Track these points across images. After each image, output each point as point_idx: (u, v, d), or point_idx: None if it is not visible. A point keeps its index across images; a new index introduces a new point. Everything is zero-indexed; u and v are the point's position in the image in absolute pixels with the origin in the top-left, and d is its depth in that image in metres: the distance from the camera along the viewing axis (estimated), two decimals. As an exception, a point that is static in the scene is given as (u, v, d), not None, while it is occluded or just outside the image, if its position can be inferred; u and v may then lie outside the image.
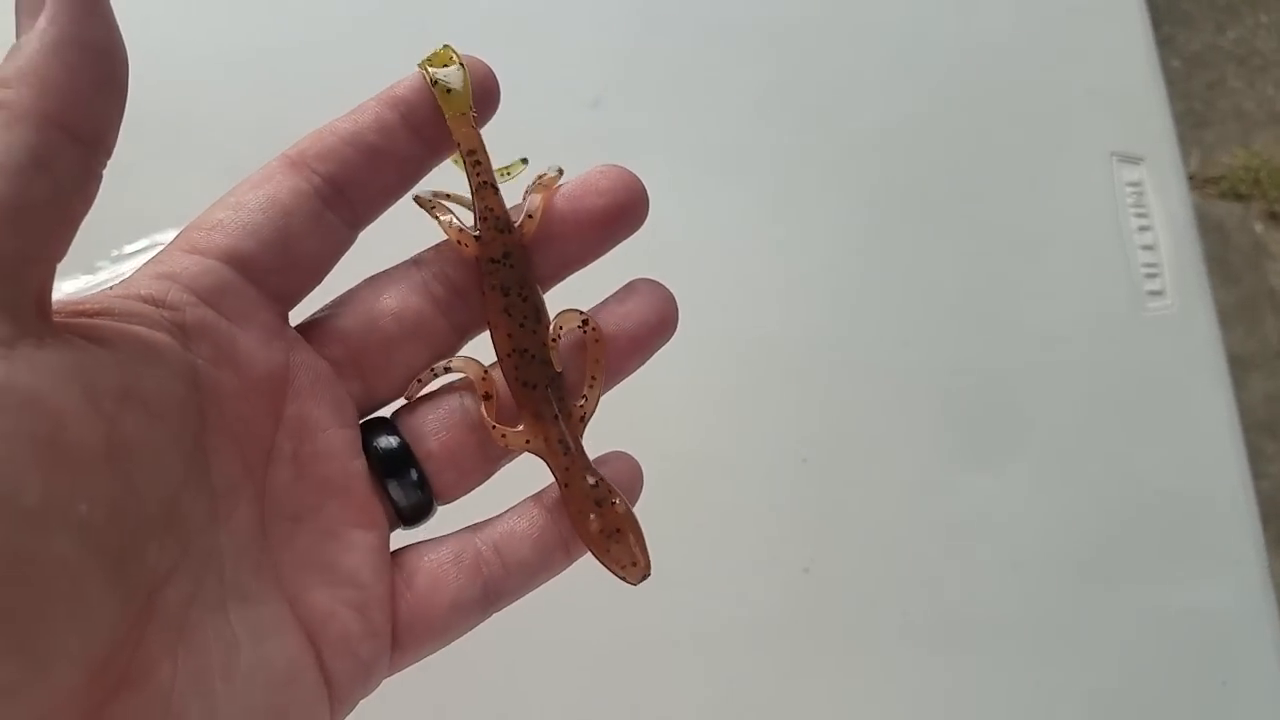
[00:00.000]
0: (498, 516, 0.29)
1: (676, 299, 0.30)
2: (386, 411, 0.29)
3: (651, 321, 0.29)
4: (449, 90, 0.28)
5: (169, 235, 0.52)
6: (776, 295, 0.53)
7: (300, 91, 0.56)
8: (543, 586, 0.46)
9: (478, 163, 0.28)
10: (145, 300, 0.24)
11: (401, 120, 0.28)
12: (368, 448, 0.28)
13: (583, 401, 0.29)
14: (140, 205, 0.52)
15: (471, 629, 0.28)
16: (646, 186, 0.53)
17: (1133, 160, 0.58)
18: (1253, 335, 1.36)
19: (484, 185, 0.28)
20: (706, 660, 0.47)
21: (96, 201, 0.54)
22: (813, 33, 0.59)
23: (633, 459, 0.30)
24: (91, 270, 0.50)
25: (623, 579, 0.28)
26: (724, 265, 0.54)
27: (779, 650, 0.47)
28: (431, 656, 0.44)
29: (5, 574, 0.18)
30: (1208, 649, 0.50)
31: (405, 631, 0.27)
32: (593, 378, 0.29)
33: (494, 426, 0.28)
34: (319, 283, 0.28)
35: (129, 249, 0.51)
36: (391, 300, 0.28)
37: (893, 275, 0.54)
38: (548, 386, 0.28)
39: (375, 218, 0.28)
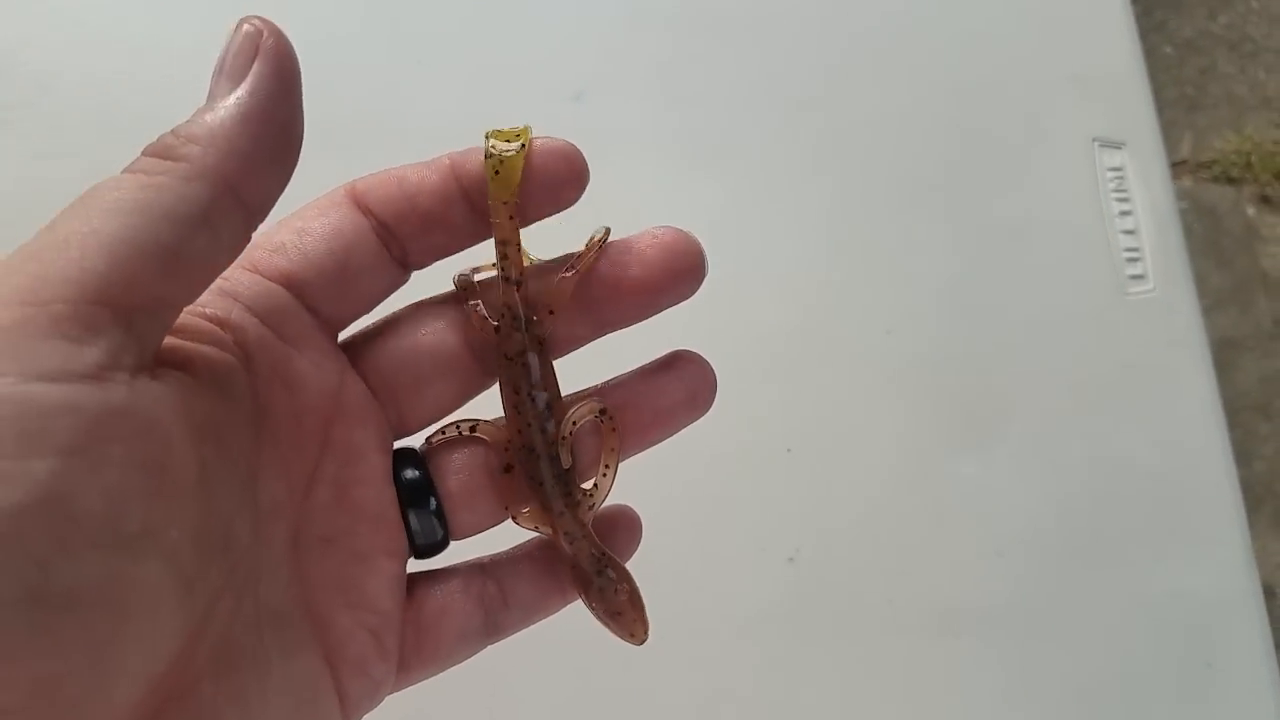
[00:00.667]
0: (504, 554, 0.30)
1: (716, 375, 0.30)
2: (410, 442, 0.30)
3: (682, 401, 0.30)
4: (496, 171, 0.27)
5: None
6: (760, 285, 0.53)
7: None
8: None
9: (504, 255, 0.27)
10: (210, 320, 0.25)
11: (462, 194, 0.27)
12: (395, 477, 0.28)
13: (592, 489, 0.29)
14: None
15: (472, 655, 0.29)
16: (629, 179, 0.53)
17: (1114, 145, 0.58)
18: (1245, 317, 1.36)
19: (507, 280, 0.28)
20: (691, 649, 0.47)
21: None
22: (794, 23, 0.59)
23: (633, 514, 0.31)
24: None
25: (623, 641, 0.30)
26: (708, 257, 0.54)
27: (764, 639, 0.47)
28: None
29: (94, 596, 0.19)
30: (1192, 631, 0.50)
31: (411, 655, 0.28)
32: (606, 465, 0.29)
33: (506, 507, 0.29)
34: (368, 313, 0.28)
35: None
36: (430, 336, 0.28)
37: (875, 263, 0.54)
38: (555, 481, 0.29)
39: (421, 265, 0.28)
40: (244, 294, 0.25)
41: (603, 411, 0.29)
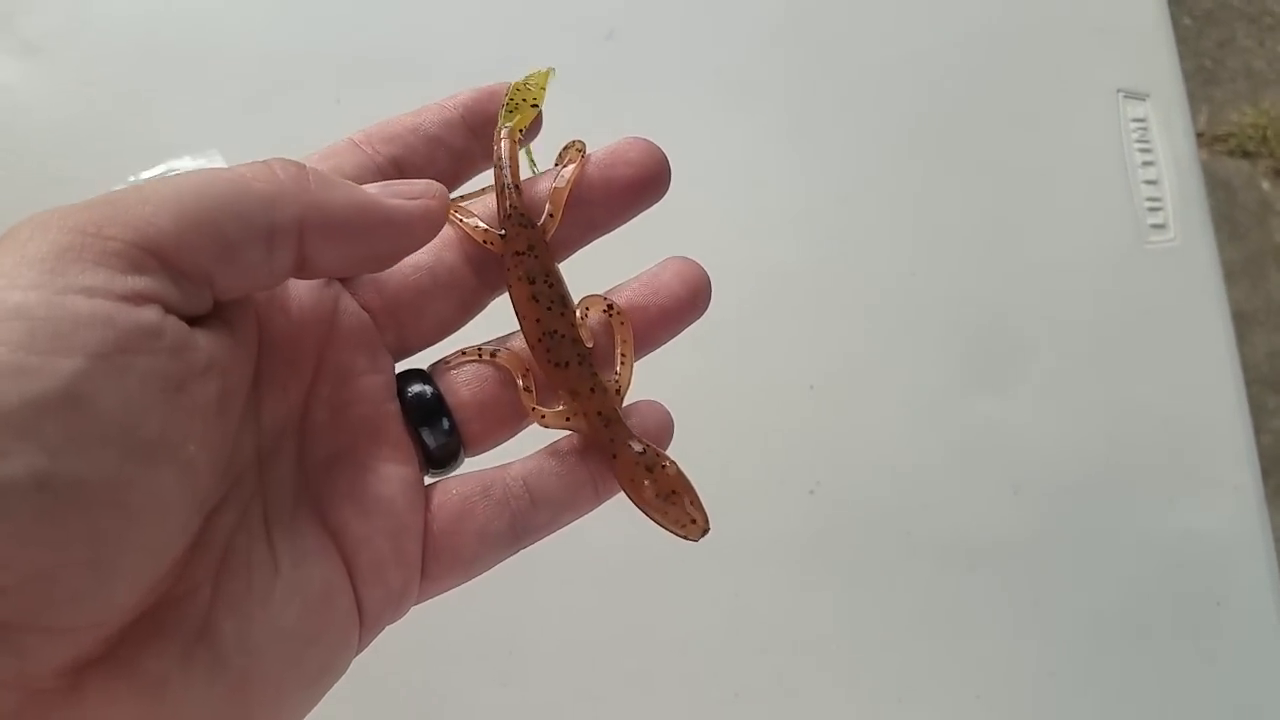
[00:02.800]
0: (530, 455, 0.29)
1: (710, 278, 0.31)
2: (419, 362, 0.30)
3: (682, 296, 0.31)
4: (511, 111, 0.30)
5: (185, 162, 0.53)
6: (786, 225, 0.54)
7: (311, 23, 0.56)
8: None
9: (506, 169, 0.29)
10: None
11: (461, 119, 0.30)
12: (402, 395, 0.29)
13: (616, 377, 0.30)
14: (158, 132, 0.53)
15: (498, 563, 0.29)
16: (660, 117, 0.53)
17: (1138, 97, 0.58)
18: (1257, 291, 1.36)
19: (511, 187, 0.29)
20: (716, 576, 0.48)
21: (115, 128, 0.55)
22: (823, -33, 0.60)
23: (662, 406, 0.31)
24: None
25: (683, 537, 0.29)
26: (736, 195, 0.54)
27: (785, 567, 0.48)
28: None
29: (101, 494, 0.20)
30: (1203, 570, 0.51)
31: (433, 561, 0.28)
32: (623, 355, 0.30)
33: (534, 408, 0.29)
34: None
35: (145, 174, 0.52)
36: (427, 255, 0.29)
37: (901, 206, 0.55)
38: (580, 363, 0.29)
39: None
40: None
41: (610, 306, 0.30)
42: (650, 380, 0.50)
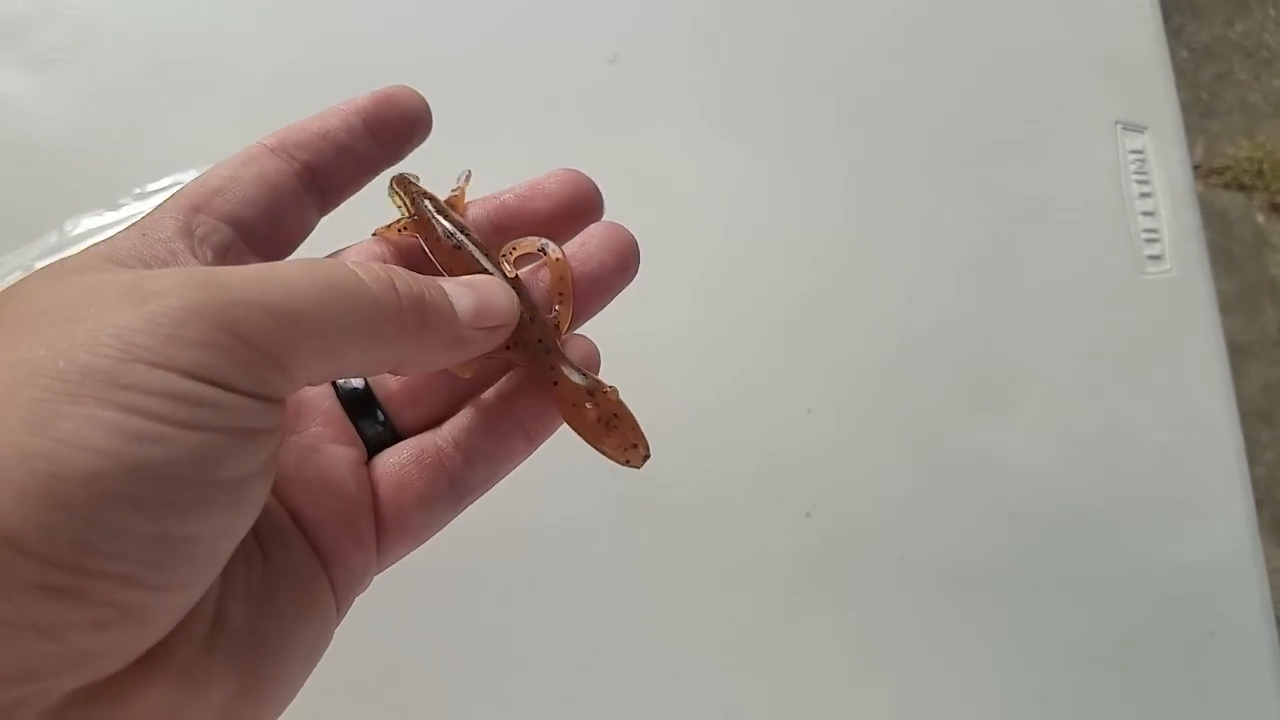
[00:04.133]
0: (457, 415, 0.30)
1: (637, 241, 0.32)
2: None
3: (610, 264, 0.31)
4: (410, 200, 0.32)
5: (189, 175, 0.53)
6: (785, 250, 0.54)
7: (317, 41, 0.57)
8: (552, 527, 0.48)
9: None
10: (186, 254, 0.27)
11: (364, 125, 0.30)
12: (336, 388, 0.30)
13: (555, 314, 0.30)
14: (163, 147, 0.53)
15: (446, 524, 0.30)
16: (662, 141, 0.54)
17: (1136, 129, 0.59)
18: (1252, 325, 1.37)
19: (401, 177, 0.32)
20: (711, 597, 0.48)
21: (121, 141, 0.55)
22: (827, -3, 0.60)
23: (590, 342, 0.32)
24: (115, 207, 0.51)
25: (625, 464, 0.29)
26: (734, 220, 0.55)
27: (780, 590, 0.48)
28: (437, 586, 0.45)
29: (209, 548, 0.21)
30: (1197, 600, 0.51)
31: (383, 536, 0.29)
32: (560, 294, 0.30)
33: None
34: (292, 253, 0.30)
35: (151, 187, 0.52)
36: (352, 252, 0.31)
37: (899, 233, 0.55)
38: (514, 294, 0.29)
39: (337, 205, 0.31)
40: (199, 230, 0.27)
41: (543, 247, 0.30)
42: (647, 399, 0.50)
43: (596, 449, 0.29)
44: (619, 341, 0.50)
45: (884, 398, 0.52)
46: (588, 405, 0.28)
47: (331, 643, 0.28)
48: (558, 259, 0.30)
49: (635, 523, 0.49)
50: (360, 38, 0.57)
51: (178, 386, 0.20)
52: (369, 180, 0.31)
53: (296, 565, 0.26)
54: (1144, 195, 0.57)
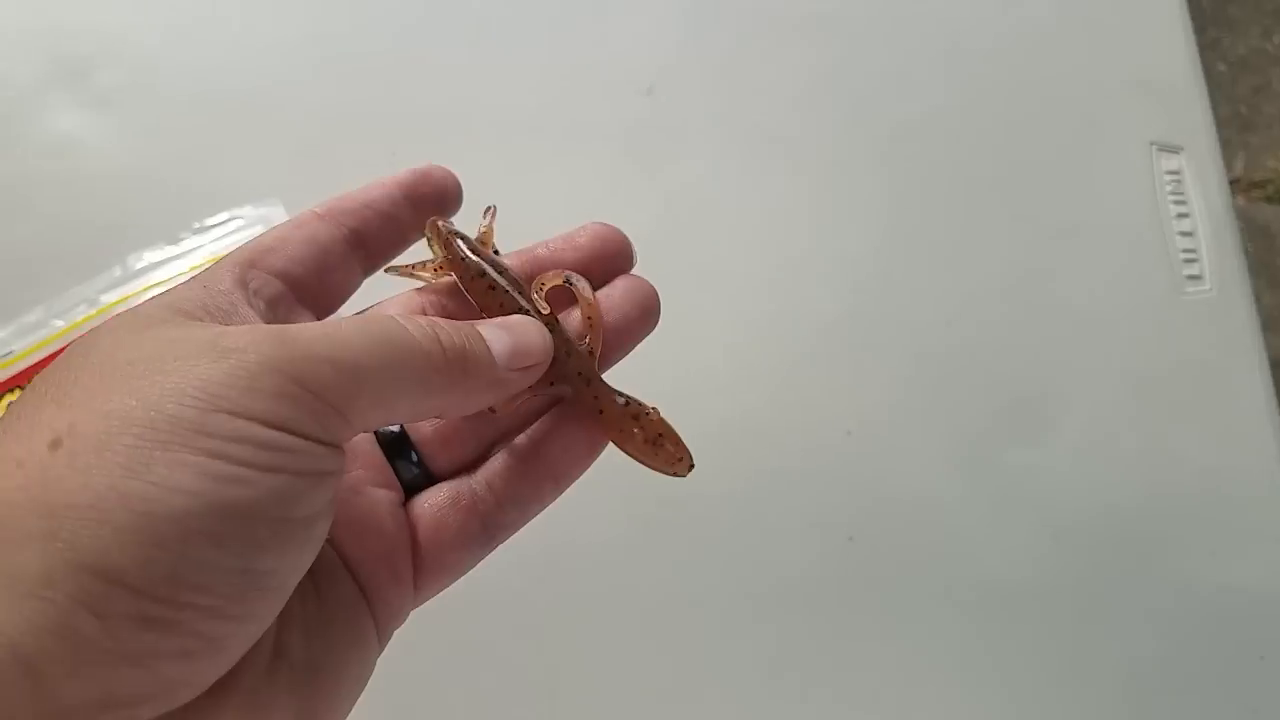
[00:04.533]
0: (492, 458, 0.32)
1: (658, 293, 0.33)
2: None
3: (633, 315, 0.33)
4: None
5: (246, 209, 0.55)
6: (824, 275, 0.55)
7: (364, 79, 0.59)
8: (592, 549, 0.49)
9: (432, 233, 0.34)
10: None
11: (404, 196, 0.33)
12: (375, 433, 0.32)
13: (586, 342, 0.32)
14: (220, 183, 0.55)
15: (479, 561, 0.31)
16: (699, 170, 0.55)
17: (1172, 150, 0.59)
18: (1296, 339, 1.35)
19: (433, 221, 0.33)
20: (755, 621, 0.49)
21: (180, 177, 0.57)
22: (860, 22, 0.61)
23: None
24: (175, 241, 0.53)
25: (674, 474, 0.31)
26: (773, 245, 0.56)
27: (822, 614, 0.49)
28: (479, 607, 0.46)
29: (284, 581, 0.23)
30: (1245, 623, 0.51)
31: (419, 573, 0.30)
32: (589, 319, 0.32)
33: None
34: (339, 308, 0.33)
35: (209, 222, 0.54)
36: (393, 305, 0.33)
37: (937, 256, 0.56)
38: (550, 331, 0.31)
39: (381, 266, 0.33)
40: (253, 284, 0.29)
41: (568, 279, 0.32)
42: (688, 422, 0.51)
43: (645, 465, 0.31)
44: (660, 365, 0.51)
45: (924, 420, 0.52)
46: (635, 430, 0.30)
47: (374, 671, 0.29)
48: (584, 291, 0.32)
49: (676, 546, 0.50)
50: (405, 73, 0.58)
51: (257, 434, 0.22)
52: (410, 244, 0.34)
53: (344, 600, 0.28)
54: (1181, 215, 0.57)
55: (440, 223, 0.33)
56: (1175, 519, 0.52)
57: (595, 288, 0.33)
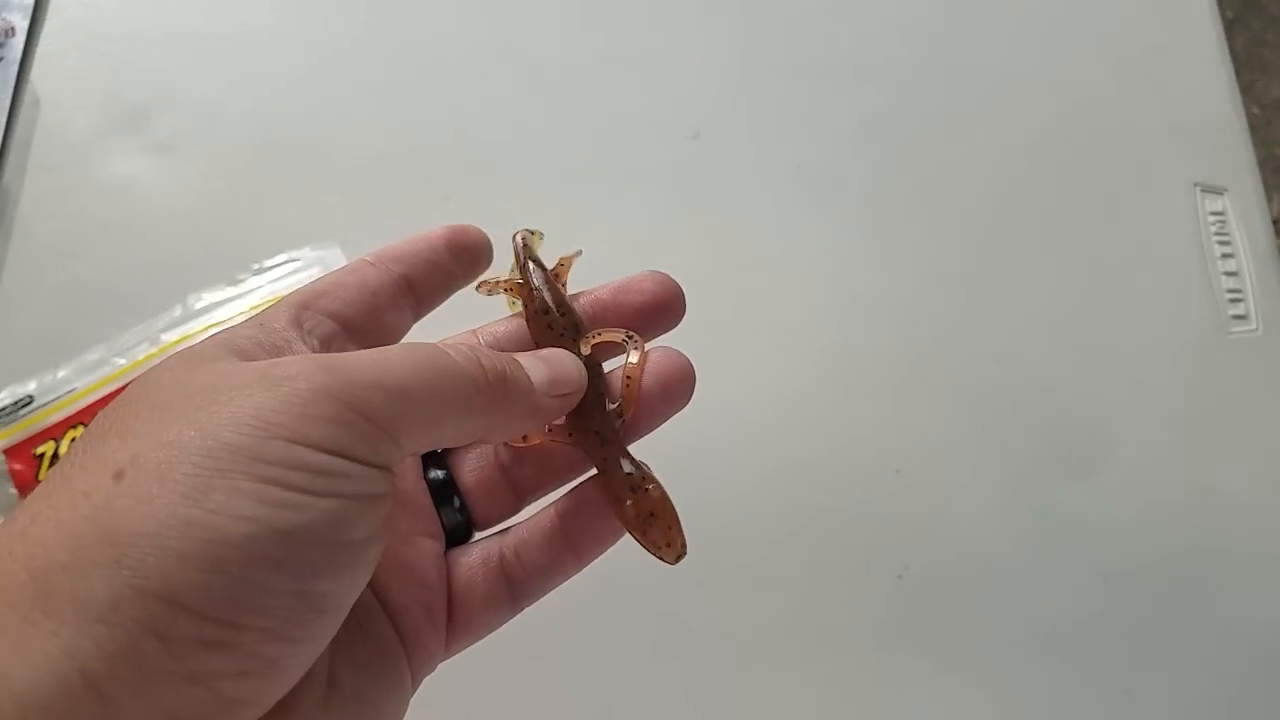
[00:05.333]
0: (518, 524, 0.33)
1: (694, 368, 0.33)
2: None
3: (660, 396, 0.33)
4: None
5: (303, 251, 0.56)
6: (872, 315, 0.56)
7: (419, 122, 0.60)
8: (643, 588, 0.49)
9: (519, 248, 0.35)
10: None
11: (446, 247, 0.34)
12: (425, 475, 0.33)
13: (619, 404, 0.32)
14: (277, 225, 0.57)
15: (503, 624, 0.32)
16: (745, 211, 0.56)
17: (1216, 191, 0.59)
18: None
19: (519, 245, 0.35)
20: (805, 660, 0.49)
21: (238, 220, 0.59)
22: (903, 70, 0.62)
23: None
24: (234, 282, 0.55)
25: (660, 559, 0.30)
26: (822, 287, 0.56)
27: (875, 651, 0.49)
28: (530, 644, 0.47)
29: (338, 604, 0.24)
30: (1298, 663, 0.50)
31: (449, 627, 0.31)
32: (628, 379, 0.32)
33: (549, 429, 0.32)
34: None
35: (267, 263, 0.55)
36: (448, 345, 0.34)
37: (985, 296, 0.56)
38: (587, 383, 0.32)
39: (430, 310, 0.34)
40: (307, 324, 0.30)
41: (629, 336, 0.32)
42: (737, 462, 0.51)
43: (635, 539, 0.31)
44: (708, 407, 0.52)
45: (973, 459, 0.52)
46: (629, 502, 0.30)
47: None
48: (633, 355, 0.32)
49: (727, 585, 0.50)
50: (459, 119, 0.60)
51: (312, 459, 0.23)
52: (454, 291, 0.35)
53: (384, 643, 0.29)
54: (1226, 255, 0.58)
55: (528, 237, 0.34)
56: (1224, 557, 0.52)
57: (647, 338, 0.33)
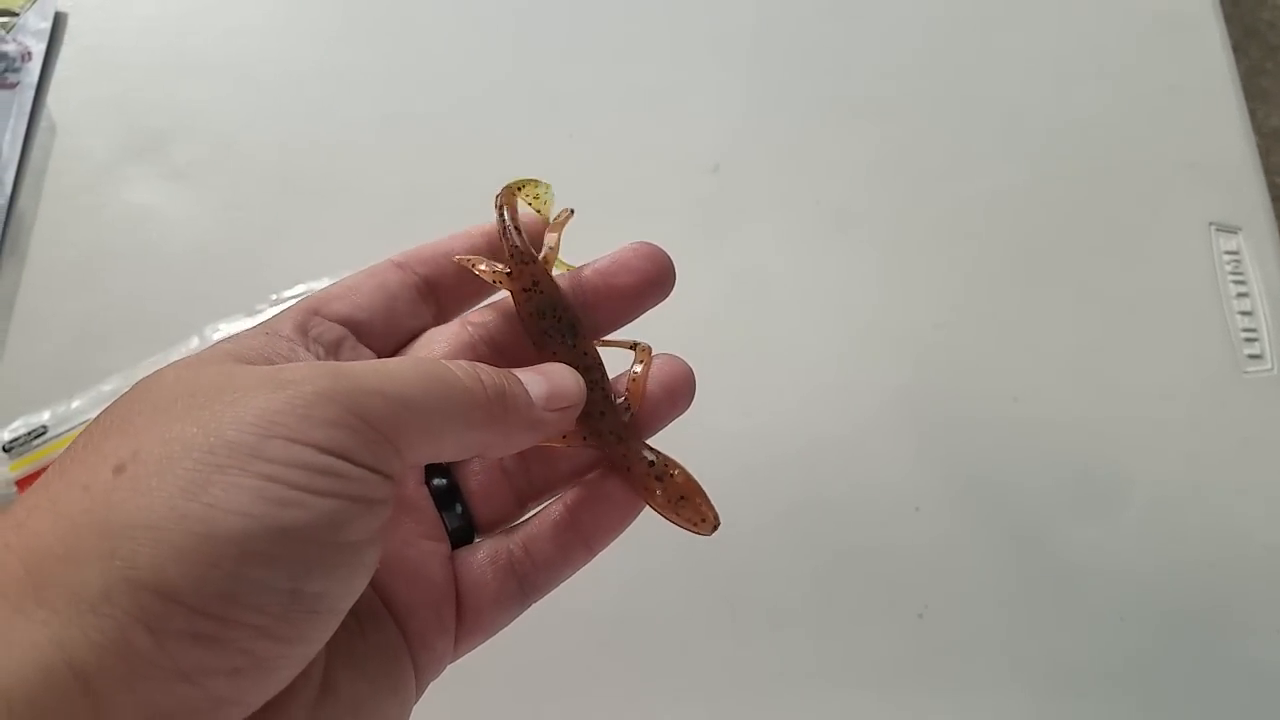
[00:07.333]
0: (525, 520, 0.33)
1: (695, 373, 0.34)
2: None
3: (664, 400, 0.34)
4: (521, 188, 0.36)
5: (321, 282, 0.56)
6: (888, 351, 0.56)
7: (439, 153, 0.60)
8: (661, 625, 0.49)
9: (507, 217, 0.34)
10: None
11: (486, 244, 0.35)
12: (427, 481, 0.33)
13: (624, 399, 0.33)
14: (294, 256, 0.57)
15: (513, 620, 0.32)
16: (763, 245, 0.56)
17: (1230, 230, 0.60)
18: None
19: (511, 228, 0.34)
20: (824, 698, 0.48)
21: (256, 250, 0.59)
22: (920, 105, 0.63)
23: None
24: (251, 312, 0.54)
25: (697, 533, 0.32)
26: (837, 320, 0.56)
27: (894, 691, 0.49)
28: (550, 683, 0.46)
29: (334, 605, 0.24)
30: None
31: (458, 626, 0.32)
32: (633, 376, 0.33)
33: (564, 437, 0.32)
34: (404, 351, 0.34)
35: (285, 294, 0.55)
36: (441, 352, 0.34)
37: (1002, 334, 0.56)
38: (591, 388, 0.32)
39: (454, 316, 0.35)
40: (314, 330, 0.31)
41: (635, 345, 0.33)
42: (753, 498, 0.51)
43: (671, 523, 0.32)
44: (725, 441, 0.52)
45: (991, 497, 0.52)
46: (658, 490, 0.32)
47: None
48: (644, 351, 0.33)
49: (746, 624, 0.50)
50: (479, 151, 0.60)
51: (312, 459, 0.23)
52: (484, 298, 0.35)
53: (388, 645, 0.29)
54: (1241, 295, 0.58)
55: (514, 227, 0.34)
56: (1243, 598, 0.52)
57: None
